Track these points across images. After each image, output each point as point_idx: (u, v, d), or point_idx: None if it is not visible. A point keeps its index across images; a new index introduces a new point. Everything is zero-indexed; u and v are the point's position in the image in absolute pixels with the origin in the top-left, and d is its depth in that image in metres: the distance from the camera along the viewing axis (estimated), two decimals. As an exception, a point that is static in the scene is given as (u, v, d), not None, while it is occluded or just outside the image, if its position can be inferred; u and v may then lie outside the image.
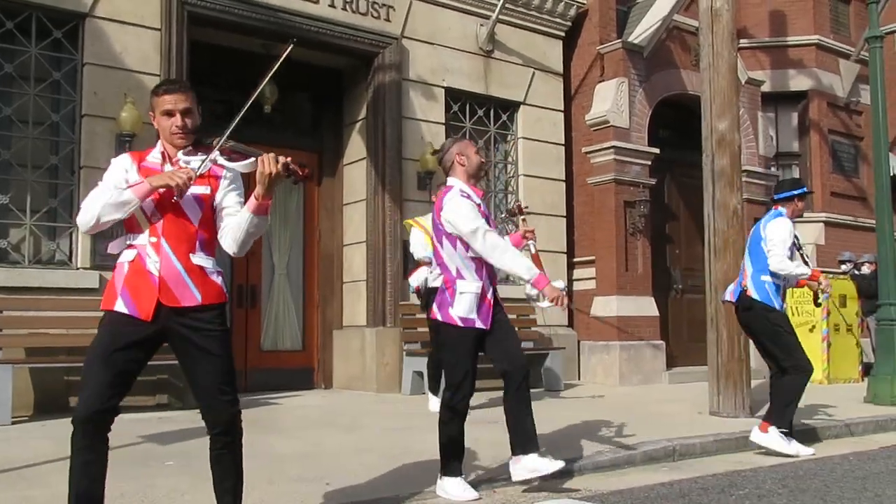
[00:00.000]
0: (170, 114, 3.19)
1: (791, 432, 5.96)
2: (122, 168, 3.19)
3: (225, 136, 3.17)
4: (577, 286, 11.06)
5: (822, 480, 5.04)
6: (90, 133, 7.57)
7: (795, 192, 6.22)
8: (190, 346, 3.09)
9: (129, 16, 7.87)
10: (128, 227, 3.15)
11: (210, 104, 9.31)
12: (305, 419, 7.03)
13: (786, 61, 13.21)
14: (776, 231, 6.05)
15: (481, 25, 10.29)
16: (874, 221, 9.59)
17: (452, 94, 10.15)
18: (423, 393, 8.73)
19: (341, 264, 10.00)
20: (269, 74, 3.37)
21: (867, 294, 11.28)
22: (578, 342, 10.95)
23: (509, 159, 10.80)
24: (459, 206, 4.35)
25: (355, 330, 9.58)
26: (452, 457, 4.33)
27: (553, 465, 4.42)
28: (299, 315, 9.90)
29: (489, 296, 4.42)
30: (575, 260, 11.09)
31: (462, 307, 4.34)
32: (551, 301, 4.35)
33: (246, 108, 3.24)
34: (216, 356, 3.10)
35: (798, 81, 13.20)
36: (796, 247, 6.12)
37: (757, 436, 5.95)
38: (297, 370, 9.73)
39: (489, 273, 4.45)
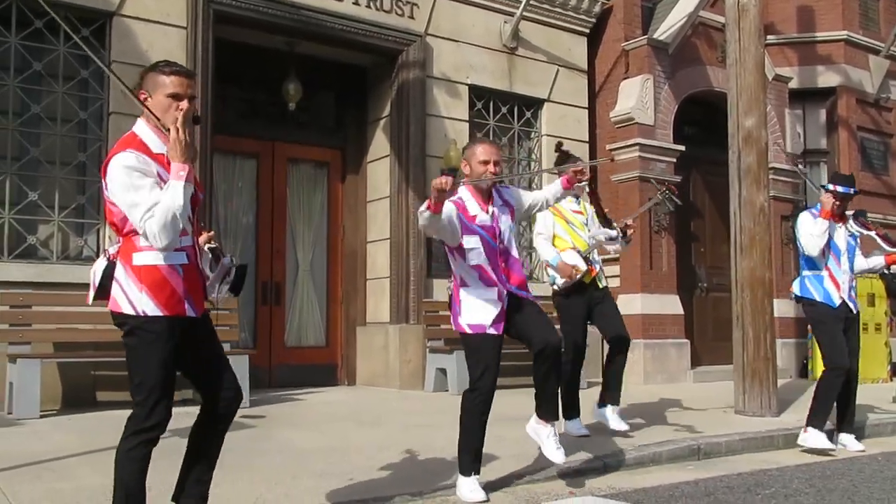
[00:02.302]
0: (178, 97, 3.10)
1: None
2: (147, 173, 3.00)
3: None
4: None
5: (850, 480, 4.99)
6: (117, 130, 7.61)
7: (827, 187, 6.13)
8: (207, 340, 3.25)
9: (155, 14, 7.93)
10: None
11: (234, 102, 9.40)
12: (329, 415, 7.06)
13: (814, 57, 13.04)
14: (799, 227, 6.14)
15: (505, 22, 10.26)
16: (904, 219, 9.44)
17: (476, 92, 10.13)
18: (446, 390, 8.75)
19: (365, 261, 10.02)
20: None
21: (896, 293, 11.14)
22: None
23: (533, 156, 10.76)
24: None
25: (378, 327, 9.60)
26: (468, 455, 4.27)
27: (555, 454, 4.38)
28: (323, 312, 9.94)
29: (503, 299, 4.31)
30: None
31: (469, 315, 4.31)
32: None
33: None
34: (221, 349, 3.34)
35: (826, 78, 13.03)
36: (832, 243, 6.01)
37: (800, 437, 5.97)
38: (321, 366, 9.77)
39: (504, 277, 4.35)
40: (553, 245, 5.90)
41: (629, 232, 5.95)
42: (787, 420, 6.92)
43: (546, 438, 4.40)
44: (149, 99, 3.12)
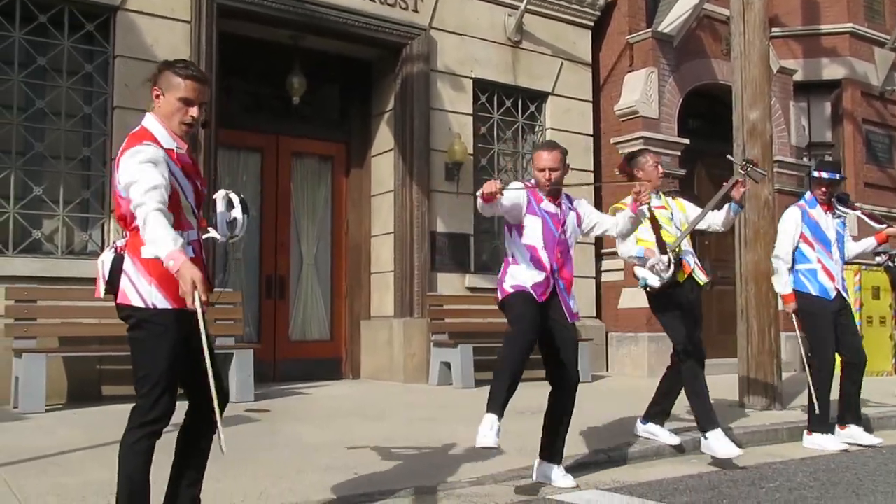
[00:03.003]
0: (189, 103, 3.10)
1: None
2: (161, 167, 2.99)
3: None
4: (605, 277, 11.00)
5: (854, 473, 4.98)
6: (122, 125, 7.63)
7: (813, 174, 6.10)
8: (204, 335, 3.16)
9: (159, 8, 7.93)
10: (178, 225, 3.04)
11: (239, 96, 9.40)
12: (334, 409, 7.07)
13: (819, 50, 12.99)
14: (781, 223, 6.10)
15: (509, 16, 10.24)
16: (909, 212, 9.42)
17: (480, 85, 10.11)
18: (450, 384, 8.76)
19: (369, 255, 10.02)
20: None
21: (901, 286, 11.11)
22: (607, 334, 10.91)
23: (537, 150, 10.73)
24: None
25: (383, 321, 9.61)
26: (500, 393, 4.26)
27: (566, 480, 4.45)
28: (327, 306, 9.95)
29: (549, 286, 4.43)
30: (603, 251, 11.02)
31: (512, 280, 4.45)
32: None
33: None
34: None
35: (831, 70, 12.98)
36: (815, 235, 5.96)
37: (805, 440, 5.95)
38: (326, 360, 9.79)
39: (556, 266, 4.46)
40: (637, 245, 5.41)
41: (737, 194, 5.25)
42: (792, 413, 6.91)
43: (556, 474, 4.47)
44: (161, 97, 3.12)
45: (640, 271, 5.33)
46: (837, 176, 6.02)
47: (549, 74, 10.58)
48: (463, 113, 9.86)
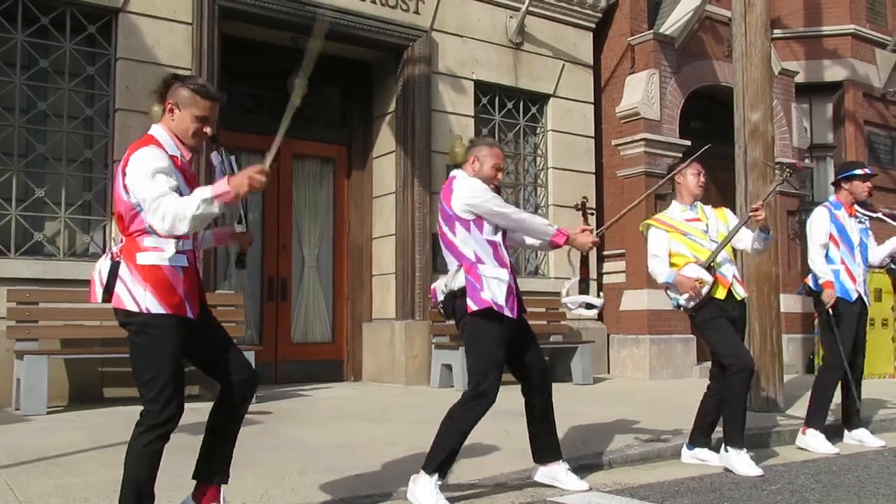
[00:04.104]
0: (204, 121, 3.22)
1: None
2: (170, 171, 3.09)
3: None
4: (606, 279, 11.00)
5: (856, 476, 4.98)
6: (123, 127, 7.65)
7: (839, 177, 6.13)
8: (212, 330, 3.33)
9: (160, 10, 7.94)
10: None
11: (240, 98, 9.41)
12: (336, 411, 7.07)
13: (820, 51, 13.00)
14: (811, 224, 6.10)
15: (511, 17, 10.25)
16: (911, 214, 9.40)
17: (482, 87, 10.12)
18: (452, 386, 8.76)
19: (370, 257, 10.03)
20: None
21: (903, 288, 11.11)
22: (608, 336, 10.90)
23: (539, 152, 10.75)
24: (475, 185, 4.24)
25: (384, 323, 9.61)
26: (441, 457, 4.07)
27: (579, 484, 4.40)
28: (329, 308, 9.95)
29: (514, 288, 4.27)
30: (605, 253, 11.02)
31: (492, 292, 4.12)
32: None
33: None
34: (227, 335, 3.42)
35: (833, 72, 12.98)
36: (843, 237, 5.97)
37: (799, 438, 5.93)
38: (327, 362, 9.79)
39: (511, 265, 4.33)
40: (672, 264, 5.17)
41: (758, 218, 5.05)
42: (794, 416, 6.90)
43: (562, 474, 4.43)
44: (175, 110, 3.20)
45: (672, 293, 5.12)
46: (867, 170, 6.07)
47: (550, 76, 10.58)
48: (464, 115, 9.86)
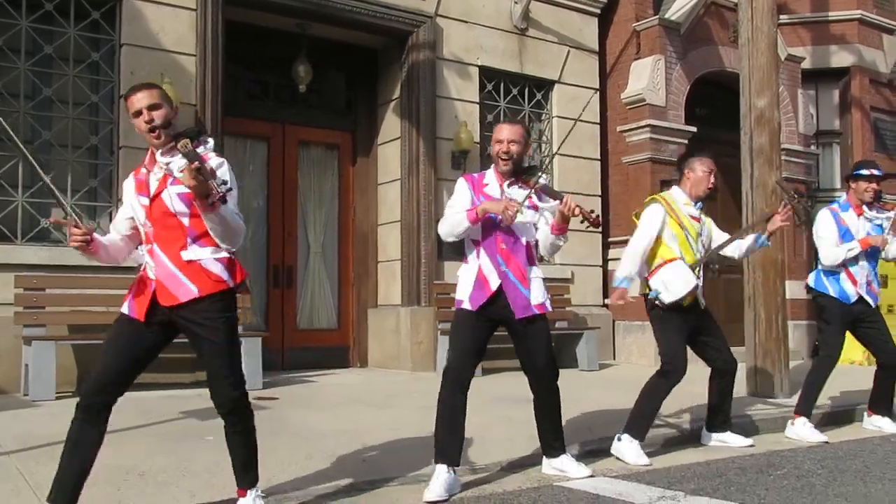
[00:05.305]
0: (137, 114, 3.36)
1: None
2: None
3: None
4: (612, 266, 10.98)
5: (862, 461, 4.98)
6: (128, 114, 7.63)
7: (847, 176, 6.13)
8: (194, 335, 3.34)
9: (165, -4, 7.92)
10: (143, 240, 3.47)
11: (245, 84, 9.39)
12: (341, 397, 7.09)
13: (827, 37, 12.92)
14: (817, 228, 6.08)
15: (516, 3, 10.20)
16: (917, 200, 9.38)
17: (487, 73, 10.09)
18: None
19: (376, 243, 10.03)
20: None
21: (910, 274, 11.09)
22: (613, 322, 10.91)
23: (544, 138, 10.72)
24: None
25: (390, 309, 9.62)
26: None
27: (581, 470, 4.41)
28: (334, 294, 9.96)
29: (490, 279, 4.22)
30: (610, 240, 11.02)
31: (460, 289, 4.30)
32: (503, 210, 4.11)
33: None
34: (217, 343, 3.31)
35: (840, 58, 12.91)
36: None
37: (788, 429, 5.90)
38: (333, 349, 9.81)
39: (501, 260, 4.23)
40: (657, 253, 5.11)
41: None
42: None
43: (566, 462, 4.44)
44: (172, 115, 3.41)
45: (655, 283, 5.06)
46: (877, 172, 6.01)
47: (555, 62, 10.54)
48: (469, 101, 9.84)
